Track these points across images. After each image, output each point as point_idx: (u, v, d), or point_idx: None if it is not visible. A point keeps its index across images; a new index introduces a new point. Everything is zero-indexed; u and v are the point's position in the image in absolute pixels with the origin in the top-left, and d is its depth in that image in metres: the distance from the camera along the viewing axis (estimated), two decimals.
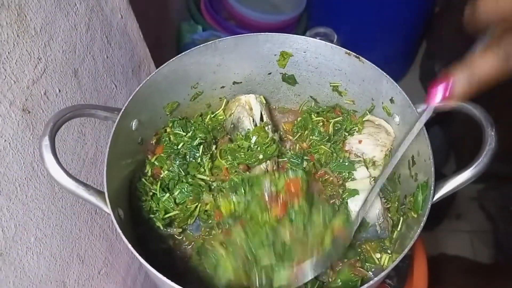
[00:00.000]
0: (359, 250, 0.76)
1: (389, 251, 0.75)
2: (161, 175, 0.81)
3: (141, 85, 0.72)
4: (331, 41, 1.42)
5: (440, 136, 2.04)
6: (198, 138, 0.82)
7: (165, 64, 0.76)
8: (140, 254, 0.59)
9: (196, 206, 0.78)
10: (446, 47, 2.12)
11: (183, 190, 0.78)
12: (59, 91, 0.76)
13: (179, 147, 0.82)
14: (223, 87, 0.87)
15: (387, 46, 2.04)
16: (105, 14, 0.89)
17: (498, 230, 1.92)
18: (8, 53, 0.62)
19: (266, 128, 0.83)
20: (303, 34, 0.82)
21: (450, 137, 2.04)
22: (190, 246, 0.79)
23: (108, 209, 0.62)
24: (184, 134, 0.83)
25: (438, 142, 2.03)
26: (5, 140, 0.64)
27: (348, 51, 0.78)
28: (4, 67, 0.62)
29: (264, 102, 0.88)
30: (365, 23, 1.94)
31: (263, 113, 0.85)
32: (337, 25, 1.56)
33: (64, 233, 0.82)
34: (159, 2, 1.65)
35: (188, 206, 0.78)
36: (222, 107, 0.89)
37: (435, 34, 2.24)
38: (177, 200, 0.78)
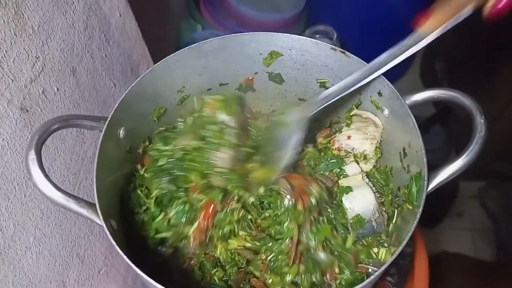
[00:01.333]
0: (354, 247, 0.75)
1: (385, 245, 0.75)
2: (152, 194, 0.76)
3: (126, 92, 0.71)
4: (331, 39, 1.41)
5: (441, 134, 2.04)
6: (182, 152, 0.76)
7: (150, 69, 0.75)
8: (136, 263, 0.58)
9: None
10: (446, 45, 2.12)
11: (179, 210, 0.73)
12: (57, 89, 0.76)
13: (160, 164, 0.76)
14: (209, 89, 0.86)
15: (387, 43, 2.03)
16: (103, 12, 0.89)
17: (499, 228, 1.92)
18: (6, 51, 0.62)
19: (228, 134, 0.76)
20: (303, 32, 0.81)
21: (451, 136, 2.04)
22: (186, 262, 0.76)
23: (100, 221, 0.60)
24: (164, 148, 0.78)
25: (440, 140, 2.02)
26: (3, 139, 0.64)
27: (334, 47, 0.77)
28: (1, 65, 0.61)
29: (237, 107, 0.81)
30: (365, 21, 1.94)
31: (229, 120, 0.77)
32: (337, 23, 1.55)
33: (64, 233, 0.82)
34: (158, 1, 1.64)
35: (180, 231, 0.74)
36: (196, 106, 0.85)
37: None
38: (171, 221, 0.73)
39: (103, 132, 0.67)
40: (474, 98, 0.68)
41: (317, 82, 0.85)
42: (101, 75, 0.90)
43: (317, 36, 0.80)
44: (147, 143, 0.82)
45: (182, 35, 1.84)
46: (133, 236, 0.74)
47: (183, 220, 0.73)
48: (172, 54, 0.76)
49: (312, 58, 0.81)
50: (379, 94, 0.76)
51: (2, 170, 0.64)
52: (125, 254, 0.58)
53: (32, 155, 0.59)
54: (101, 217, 0.61)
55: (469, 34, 1.94)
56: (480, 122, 0.66)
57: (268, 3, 1.99)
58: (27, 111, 0.69)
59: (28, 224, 0.71)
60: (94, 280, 0.94)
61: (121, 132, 0.73)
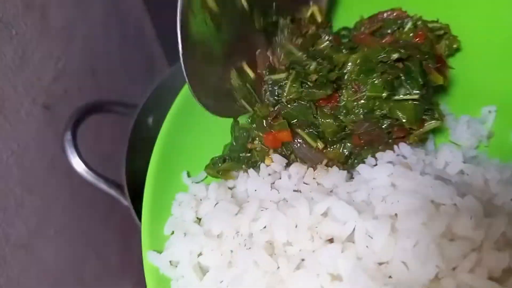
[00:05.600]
0: None
1: None
2: None
3: (157, 82, 0.74)
4: None
5: None
6: None
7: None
8: None
9: None
10: None
11: None
12: (78, 89, 0.78)
13: None
14: None
15: None
16: (122, 14, 0.91)
17: None
18: (32, 51, 0.64)
19: None
20: None
21: None
22: None
23: (127, 202, 0.64)
24: None
25: None
26: (28, 136, 0.66)
27: None
28: (27, 65, 0.64)
29: None
30: None
31: None
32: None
33: (82, 228, 0.84)
34: (173, 2, 1.67)
35: None
36: None
37: None
38: None
39: (134, 119, 0.71)
40: None
41: None
42: (118, 74, 0.93)
43: None
44: None
45: None
46: None
47: None
48: None
49: None
50: None
51: (27, 166, 0.66)
52: None
53: (68, 136, 0.64)
54: (128, 198, 0.64)
55: None
56: None
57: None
58: (49, 109, 0.71)
59: (49, 218, 0.73)
60: (110, 274, 0.96)
61: (151, 120, 0.77)
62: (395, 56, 0.52)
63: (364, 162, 0.51)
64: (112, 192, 0.64)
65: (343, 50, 0.55)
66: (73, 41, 0.76)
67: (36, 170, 0.69)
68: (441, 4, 0.60)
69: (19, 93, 0.63)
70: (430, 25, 0.59)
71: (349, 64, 0.54)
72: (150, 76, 1.08)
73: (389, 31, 0.59)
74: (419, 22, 0.59)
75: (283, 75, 0.53)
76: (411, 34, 0.58)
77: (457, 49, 0.60)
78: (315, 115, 0.52)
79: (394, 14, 0.61)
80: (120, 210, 0.96)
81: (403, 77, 0.52)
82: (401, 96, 0.51)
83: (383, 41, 0.57)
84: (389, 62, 0.53)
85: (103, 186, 0.64)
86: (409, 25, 0.59)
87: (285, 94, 0.52)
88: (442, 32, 0.60)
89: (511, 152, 0.55)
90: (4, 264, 0.63)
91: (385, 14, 0.62)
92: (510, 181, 0.48)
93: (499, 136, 0.56)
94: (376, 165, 0.50)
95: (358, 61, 0.54)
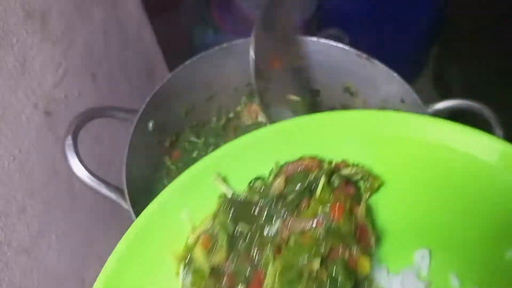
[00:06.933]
0: None
1: None
2: None
3: (157, 87, 0.75)
4: (343, 43, 1.43)
5: None
6: (212, 146, 0.85)
7: (180, 66, 0.78)
8: None
9: None
10: (458, 50, 2.11)
11: None
12: (79, 94, 0.79)
13: (194, 155, 0.84)
14: (237, 89, 0.89)
15: (398, 48, 2.04)
16: (121, 20, 0.92)
17: None
18: (33, 58, 0.65)
19: None
20: (314, 35, 0.83)
21: None
22: None
23: (127, 206, 0.64)
24: (198, 140, 0.86)
25: None
26: (29, 142, 0.67)
27: (359, 53, 0.79)
28: (28, 72, 0.65)
29: None
30: (376, 25, 1.95)
31: None
32: (348, 27, 1.57)
33: (84, 232, 0.85)
34: (171, 7, 1.68)
35: None
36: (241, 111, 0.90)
37: (447, 36, 2.23)
38: None
39: (134, 124, 0.72)
40: (493, 109, 0.69)
41: (342, 87, 0.87)
42: (118, 80, 0.94)
43: (329, 39, 0.83)
44: (174, 137, 0.86)
45: (194, 40, 1.87)
46: None
47: None
48: (202, 53, 0.80)
49: (337, 63, 0.82)
50: (402, 101, 0.77)
51: (28, 171, 0.67)
52: None
53: (69, 141, 0.65)
54: (128, 202, 0.65)
55: (480, 39, 1.93)
56: (499, 134, 0.68)
57: None
58: (50, 115, 0.72)
59: (51, 223, 0.74)
60: None
61: (150, 125, 0.78)
62: (317, 263, 0.45)
63: None
64: (113, 196, 0.65)
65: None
66: (73, 46, 0.77)
67: (37, 175, 0.70)
68: (361, 144, 0.50)
69: (20, 99, 0.64)
70: (346, 171, 0.50)
71: (270, 274, 0.46)
72: (150, 81, 1.08)
73: (297, 188, 0.48)
74: (333, 177, 0.49)
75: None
76: (328, 206, 0.47)
77: (380, 186, 0.51)
78: None
79: (303, 166, 0.49)
80: (121, 214, 0.96)
81: (328, 284, 0.45)
82: None
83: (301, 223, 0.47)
84: (311, 271, 0.45)
85: (103, 190, 0.65)
86: (322, 182, 0.47)
87: None
88: (360, 176, 0.51)
89: None
90: (6, 269, 0.64)
91: (292, 166, 0.49)
92: None
93: (438, 282, 0.50)
94: None
95: (279, 270, 0.46)
